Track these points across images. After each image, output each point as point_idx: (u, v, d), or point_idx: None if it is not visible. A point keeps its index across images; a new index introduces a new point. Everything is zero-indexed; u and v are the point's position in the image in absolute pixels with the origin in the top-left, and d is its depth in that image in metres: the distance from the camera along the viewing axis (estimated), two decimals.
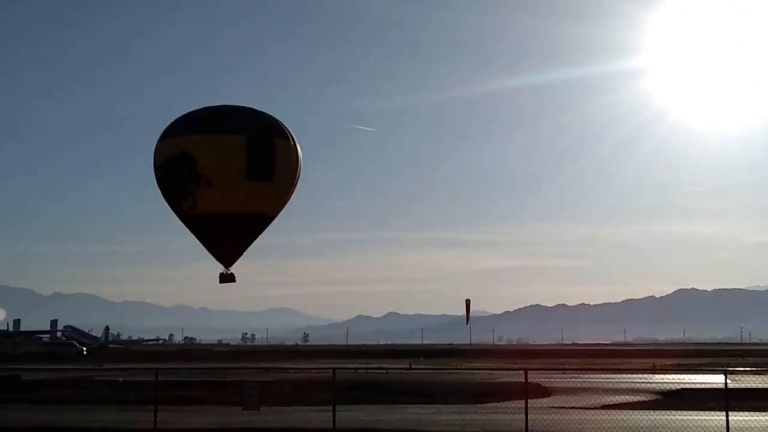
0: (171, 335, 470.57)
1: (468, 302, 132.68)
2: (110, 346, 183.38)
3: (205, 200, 30.75)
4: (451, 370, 62.03)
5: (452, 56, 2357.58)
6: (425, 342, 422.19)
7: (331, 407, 28.47)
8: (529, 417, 27.06)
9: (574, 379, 55.69)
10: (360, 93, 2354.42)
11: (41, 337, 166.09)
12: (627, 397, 41.67)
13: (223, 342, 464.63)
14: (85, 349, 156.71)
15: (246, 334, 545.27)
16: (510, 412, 32.09)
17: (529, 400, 28.12)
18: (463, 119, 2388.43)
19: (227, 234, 31.82)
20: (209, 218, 31.24)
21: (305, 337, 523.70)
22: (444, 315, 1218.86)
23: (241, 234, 32.27)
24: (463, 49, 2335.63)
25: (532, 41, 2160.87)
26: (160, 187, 32.05)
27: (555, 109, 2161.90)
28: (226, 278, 32.42)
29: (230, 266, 32.43)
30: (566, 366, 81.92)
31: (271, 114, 32.88)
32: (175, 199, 31.52)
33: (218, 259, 32.45)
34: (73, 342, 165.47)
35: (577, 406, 36.31)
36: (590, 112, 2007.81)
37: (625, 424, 28.14)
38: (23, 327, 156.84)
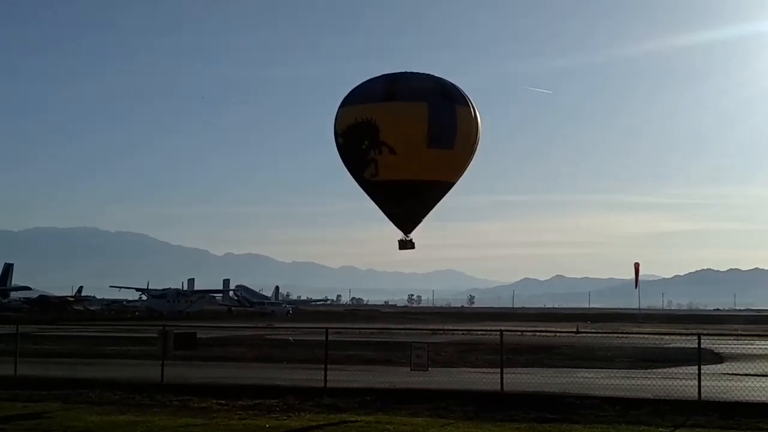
0: (339, 296, 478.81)
1: (637, 266, 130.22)
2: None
3: (387, 167, 30.86)
4: (619, 335, 61.03)
5: (619, 14, 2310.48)
6: (592, 306, 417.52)
7: (498, 369, 28.48)
8: (702, 383, 26.52)
9: (748, 346, 54.18)
10: (525, 53, 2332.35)
11: (214, 296, 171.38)
12: None
13: (390, 303, 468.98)
14: (290, 309, 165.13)
15: (412, 295, 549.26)
16: (681, 377, 31.44)
17: (701, 366, 27.53)
18: (629, 78, 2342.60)
19: (408, 201, 31.97)
20: (391, 185, 31.39)
21: (471, 299, 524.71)
22: (612, 279, 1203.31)
23: (421, 201, 32.38)
24: (630, 6, 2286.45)
25: None
26: (341, 154, 32.34)
27: (726, 67, 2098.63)
28: (406, 245, 32.56)
29: (410, 233, 32.59)
30: (739, 332, 79.85)
31: (446, 77, 32.83)
32: (357, 166, 31.77)
33: (398, 226, 32.64)
34: (284, 304, 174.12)
35: (751, 372, 35.34)
36: (762, 69, 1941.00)
37: None
38: (197, 286, 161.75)
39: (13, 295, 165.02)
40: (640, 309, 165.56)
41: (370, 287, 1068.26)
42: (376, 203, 32.81)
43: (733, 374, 35.42)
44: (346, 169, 32.78)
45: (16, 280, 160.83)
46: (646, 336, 62.62)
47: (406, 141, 30.60)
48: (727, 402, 26.00)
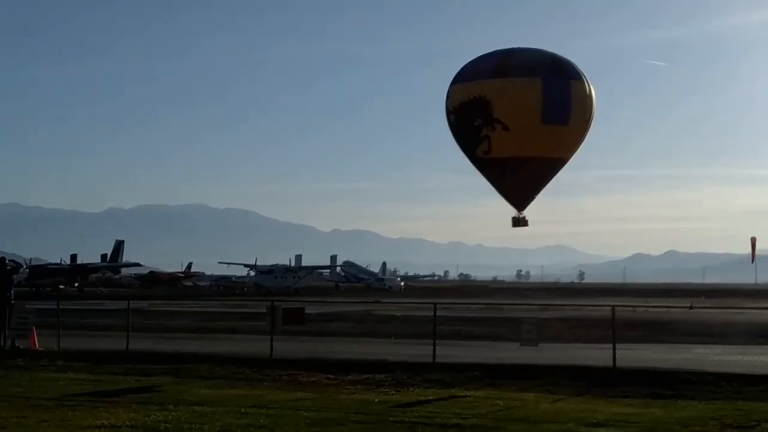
0: (446, 272, 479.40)
1: (753, 240, 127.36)
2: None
3: (500, 144, 30.66)
4: (736, 310, 59.55)
5: None
6: (707, 281, 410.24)
7: (609, 345, 27.92)
8: None
9: None
10: (634, 24, 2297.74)
11: (321, 273, 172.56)
12: None
13: (498, 279, 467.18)
14: (403, 285, 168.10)
15: (521, 271, 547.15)
16: None
17: None
18: (741, 49, 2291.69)
19: (521, 178, 31.65)
20: (504, 162, 31.14)
21: (581, 274, 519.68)
22: (728, 254, 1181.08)
23: (535, 178, 32.07)
24: None
25: None
26: (453, 131, 32.17)
27: None
28: (519, 222, 32.36)
29: (523, 210, 32.27)
30: None
31: (554, 50, 32.40)
32: (469, 143, 31.58)
33: (511, 203, 32.37)
34: (399, 278, 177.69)
35: None
36: None
37: None
38: (304, 262, 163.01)
39: (125, 271, 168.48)
40: (756, 284, 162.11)
41: (478, 263, 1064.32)
42: (488, 180, 32.52)
43: None
44: (455, 145, 32.55)
45: (127, 256, 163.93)
46: (763, 312, 60.99)
47: (520, 117, 30.28)
48: None
